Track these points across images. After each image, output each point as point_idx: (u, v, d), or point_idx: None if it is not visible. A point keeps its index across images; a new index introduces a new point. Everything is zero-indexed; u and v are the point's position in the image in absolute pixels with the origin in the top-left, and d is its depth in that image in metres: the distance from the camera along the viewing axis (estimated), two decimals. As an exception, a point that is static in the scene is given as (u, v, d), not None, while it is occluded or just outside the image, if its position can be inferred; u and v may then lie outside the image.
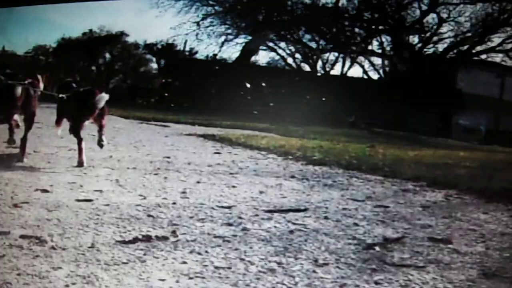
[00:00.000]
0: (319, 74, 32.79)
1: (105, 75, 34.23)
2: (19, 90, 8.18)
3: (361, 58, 34.74)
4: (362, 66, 34.75)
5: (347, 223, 5.98)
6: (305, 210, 6.52)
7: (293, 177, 8.98)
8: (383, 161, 11.11)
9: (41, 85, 9.05)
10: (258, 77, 29.52)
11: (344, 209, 6.74)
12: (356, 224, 5.96)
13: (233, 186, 7.80)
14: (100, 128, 8.96)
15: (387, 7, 31.18)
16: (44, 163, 8.52)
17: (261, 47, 32.70)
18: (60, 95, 8.77)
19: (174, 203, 6.35)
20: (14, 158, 8.68)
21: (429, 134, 24.67)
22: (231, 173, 8.94)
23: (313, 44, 33.43)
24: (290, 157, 11.26)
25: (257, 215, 6.09)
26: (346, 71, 34.95)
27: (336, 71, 35.15)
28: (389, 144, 16.61)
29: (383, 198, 7.59)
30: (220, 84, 28.63)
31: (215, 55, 32.40)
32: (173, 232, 5.04)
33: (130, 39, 34.72)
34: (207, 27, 31.89)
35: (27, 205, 5.69)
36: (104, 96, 8.59)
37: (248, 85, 28.61)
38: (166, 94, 29.77)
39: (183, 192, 7.07)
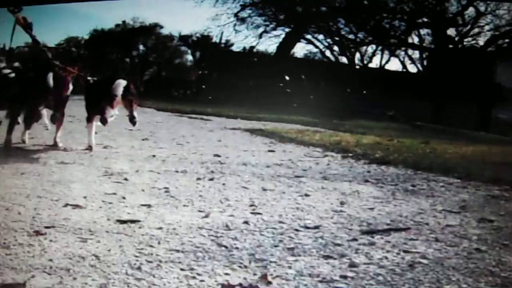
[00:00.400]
0: (358, 67, 30.89)
1: (139, 67, 32.66)
2: (50, 79, 7.66)
3: (399, 52, 32.86)
4: (401, 60, 32.89)
5: (466, 249, 4.44)
6: (407, 229, 4.94)
7: (366, 181, 7.42)
8: (448, 159, 9.85)
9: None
10: (297, 69, 27.75)
11: (447, 225, 5.20)
12: (478, 250, 4.41)
13: (306, 195, 6.21)
14: (131, 111, 8.43)
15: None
16: (75, 166, 6.88)
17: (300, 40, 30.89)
18: (88, 78, 8.42)
19: (246, 223, 4.69)
20: (39, 155, 7.27)
21: (468, 128, 22.83)
22: (296, 176, 7.38)
23: (351, 37, 31.58)
24: (350, 155, 9.86)
25: (355, 239, 4.51)
26: (384, 64, 33.15)
27: (374, 64, 33.35)
28: (436, 139, 14.90)
29: (478, 208, 6.06)
30: (258, 77, 26.89)
31: (252, 47, 30.74)
32: (264, 277, 3.33)
33: (164, 31, 33.17)
34: (245, 18, 30.15)
35: (53, 231, 4.02)
36: (122, 82, 7.96)
37: (287, 78, 26.86)
38: (203, 87, 28.10)
39: (252, 205, 5.42)
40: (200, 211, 5.03)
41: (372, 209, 5.71)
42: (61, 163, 7.08)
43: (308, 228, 4.71)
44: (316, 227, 4.74)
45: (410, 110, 25.90)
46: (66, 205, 4.82)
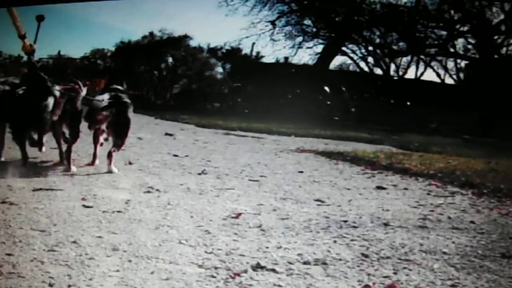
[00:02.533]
0: (395, 78, 26.99)
1: (168, 80, 28.84)
2: (50, 102, 5.84)
3: (434, 62, 28.96)
4: (436, 72, 29.00)
5: None
6: None
7: None
8: None
9: (84, 91, 6.51)
10: (337, 81, 23.86)
11: None
12: None
13: None
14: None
15: (469, 7, 25.17)
16: (100, 257, 2.98)
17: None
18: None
19: None
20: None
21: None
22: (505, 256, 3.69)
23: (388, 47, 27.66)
24: (484, 191, 6.52)
25: None
26: (420, 76, 29.27)
27: (409, 75, 29.51)
28: (503, 156, 10.85)
29: None
30: (296, 89, 23.01)
31: (286, 58, 26.77)
32: None
33: (193, 43, 29.28)
34: (284, 26, 26.03)
35: None
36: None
37: (328, 90, 22.94)
38: (239, 100, 24.20)
39: None
40: None
41: None
42: (76, 246, 3.13)
43: None
44: None
45: (453, 122, 22.10)
46: None
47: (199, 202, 4.92)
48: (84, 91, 6.57)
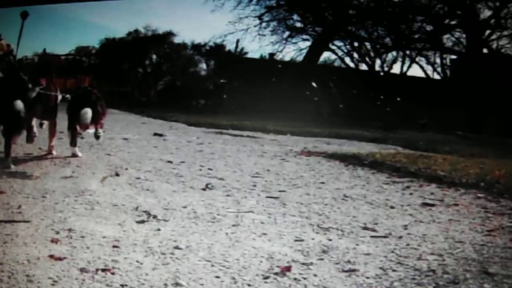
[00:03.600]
0: (382, 73, 25.69)
1: (152, 76, 27.36)
2: (19, 104, 5.41)
3: (420, 58, 27.79)
4: (422, 67, 27.79)
5: None
6: None
7: None
8: None
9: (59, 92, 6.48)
10: (324, 76, 22.49)
11: None
12: None
13: None
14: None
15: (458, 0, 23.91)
16: None
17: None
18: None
19: None
20: None
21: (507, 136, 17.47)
22: None
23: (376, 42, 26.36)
24: None
25: None
26: (406, 71, 28.09)
27: (395, 71, 28.34)
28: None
29: None
30: (282, 85, 21.58)
31: (271, 54, 25.34)
32: None
33: (178, 39, 27.90)
34: (271, 21, 24.50)
35: None
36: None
37: (315, 85, 21.54)
38: (224, 96, 22.70)
39: None
40: None
41: None
42: None
43: None
44: None
45: (443, 118, 21.07)
46: None
47: (216, 238, 3.38)
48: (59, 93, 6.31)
